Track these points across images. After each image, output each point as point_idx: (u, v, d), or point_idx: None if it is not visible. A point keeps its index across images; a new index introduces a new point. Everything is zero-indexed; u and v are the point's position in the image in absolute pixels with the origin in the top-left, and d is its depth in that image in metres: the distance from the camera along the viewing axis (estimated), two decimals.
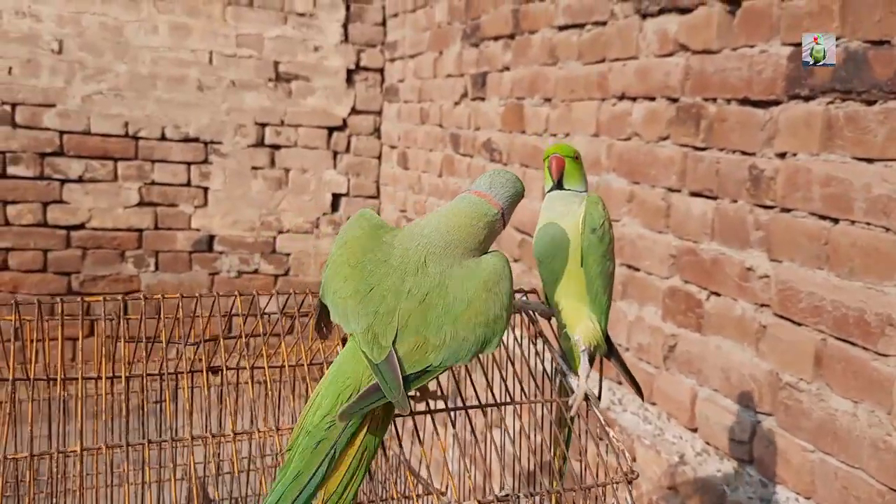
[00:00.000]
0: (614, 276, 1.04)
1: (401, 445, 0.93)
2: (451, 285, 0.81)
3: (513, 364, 0.97)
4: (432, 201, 3.05)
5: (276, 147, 3.48)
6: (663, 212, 1.71)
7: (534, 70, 2.26)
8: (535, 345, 1.02)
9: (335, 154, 3.56)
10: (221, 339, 0.90)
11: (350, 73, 3.54)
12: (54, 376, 0.88)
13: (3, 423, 0.76)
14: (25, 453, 0.71)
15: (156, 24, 3.27)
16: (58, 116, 3.18)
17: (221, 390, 0.97)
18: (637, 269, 1.80)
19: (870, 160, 1.20)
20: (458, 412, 0.90)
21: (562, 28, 2.10)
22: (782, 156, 1.38)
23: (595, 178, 1.96)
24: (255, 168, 3.46)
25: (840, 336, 1.25)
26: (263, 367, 0.89)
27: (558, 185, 1.03)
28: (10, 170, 3.14)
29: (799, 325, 1.34)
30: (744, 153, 1.47)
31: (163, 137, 3.32)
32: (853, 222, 1.23)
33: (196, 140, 3.37)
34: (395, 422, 0.83)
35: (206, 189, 3.41)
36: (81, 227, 3.25)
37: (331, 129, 3.54)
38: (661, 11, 1.70)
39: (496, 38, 2.50)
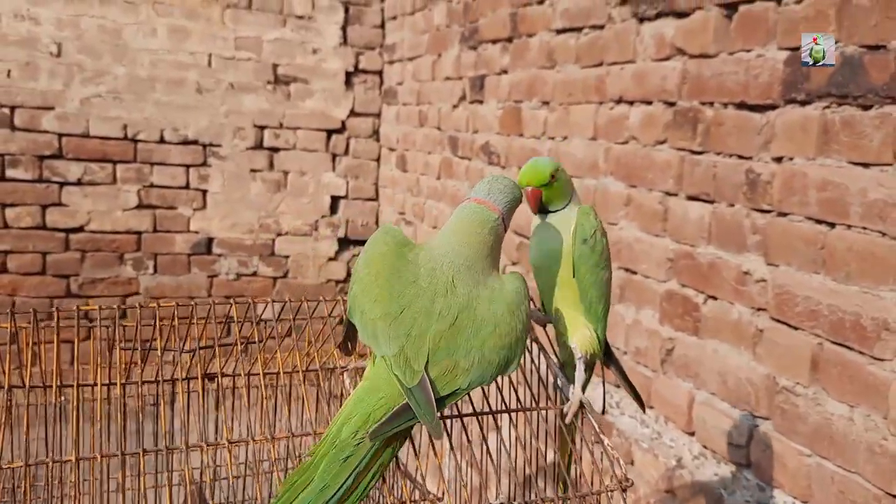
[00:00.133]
0: (611, 283, 1.04)
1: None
2: (479, 307, 0.82)
3: (508, 375, 0.97)
4: (431, 204, 3.05)
5: (275, 149, 3.48)
6: (660, 215, 1.71)
7: (532, 73, 2.26)
8: (530, 352, 1.02)
9: (334, 156, 3.56)
10: (217, 347, 0.90)
11: (349, 75, 3.54)
12: (50, 383, 0.88)
13: (0, 430, 0.76)
14: (21, 462, 0.71)
15: (154, 26, 3.27)
16: (56, 119, 3.18)
17: (218, 397, 0.97)
18: (634, 273, 1.81)
19: (866, 165, 1.21)
20: (454, 419, 0.90)
21: (559, 31, 2.11)
22: (779, 160, 1.38)
23: (593, 182, 1.96)
24: (253, 170, 3.46)
25: (836, 340, 1.25)
26: (259, 374, 0.90)
27: (542, 211, 1.02)
28: (9, 172, 3.14)
29: (795, 329, 1.34)
30: (740, 157, 1.48)
31: (161, 140, 3.32)
32: (849, 227, 1.24)
33: (195, 142, 3.37)
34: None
35: (204, 192, 3.41)
36: (80, 229, 3.25)
37: (329, 132, 3.55)
38: (658, 15, 1.71)
39: (494, 42, 2.50)
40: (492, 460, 0.86)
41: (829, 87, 1.27)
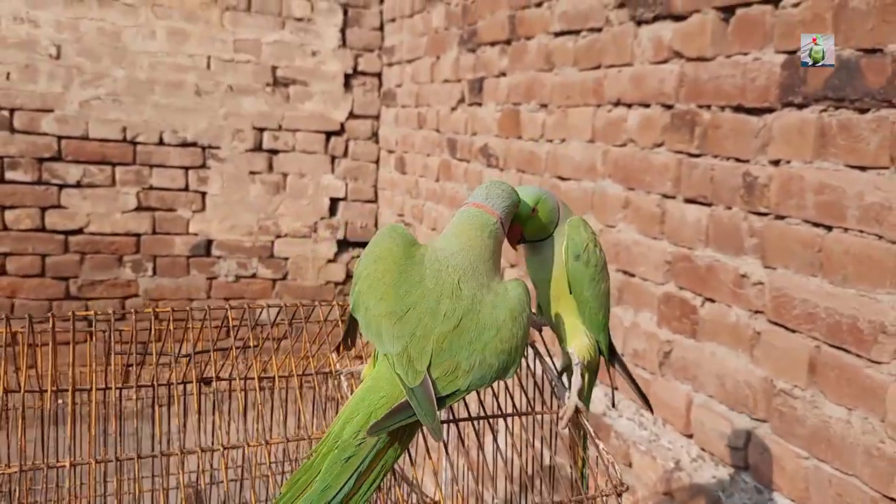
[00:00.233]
0: (609, 292, 1.03)
1: None
2: (483, 311, 0.83)
3: (504, 380, 0.97)
4: (430, 206, 3.05)
5: (274, 152, 3.48)
6: (658, 218, 1.71)
7: (530, 76, 2.26)
8: (526, 357, 1.02)
9: (333, 158, 3.57)
10: (213, 352, 0.90)
11: (348, 77, 3.54)
12: (46, 387, 0.88)
13: None
14: (16, 467, 0.71)
15: (153, 29, 3.27)
16: (56, 121, 3.18)
17: (214, 401, 0.97)
18: (632, 275, 1.81)
19: (863, 168, 1.21)
20: (451, 423, 0.90)
21: (558, 34, 2.11)
22: (776, 163, 1.38)
23: (591, 184, 1.96)
24: (252, 173, 3.46)
25: (834, 343, 1.25)
26: (255, 378, 0.90)
27: (523, 242, 1.00)
28: (9, 175, 3.14)
29: (793, 331, 1.34)
30: (738, 160, 1.48)
31: (161, 142, 3.32)
32: (846, 230, 1.24)
33: (194, 145, 3.37)
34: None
35: (203, 194, 3.41)
36: (79, 231, 3.25)
37: (329, 134, 3.55)
38: (656, 18, 1.71)
39: (493, 44, 2.50)
40: (487, 463, 0.86)
41: (825, 90, 1.27)
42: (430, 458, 0.81)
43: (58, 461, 0.74)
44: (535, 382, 0.97)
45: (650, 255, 1.74)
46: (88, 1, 3.18)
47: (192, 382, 0.92)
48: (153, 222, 3.35)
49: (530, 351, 1.02)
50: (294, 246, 3.54)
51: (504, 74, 2.43)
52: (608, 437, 1.86)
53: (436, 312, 0.81)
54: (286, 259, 3.54)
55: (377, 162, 3.63)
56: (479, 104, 2.61)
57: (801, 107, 1.33)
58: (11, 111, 3.12)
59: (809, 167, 1.31)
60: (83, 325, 1.06)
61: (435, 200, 3.00)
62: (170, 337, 0.92)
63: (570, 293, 0.98)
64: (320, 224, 3.57)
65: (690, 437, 1.61)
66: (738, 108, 1.47)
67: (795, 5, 1.34)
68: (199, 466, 0.87)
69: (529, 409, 0.94)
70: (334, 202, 3.60)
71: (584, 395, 1.02)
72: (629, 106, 1.81)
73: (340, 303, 1.04)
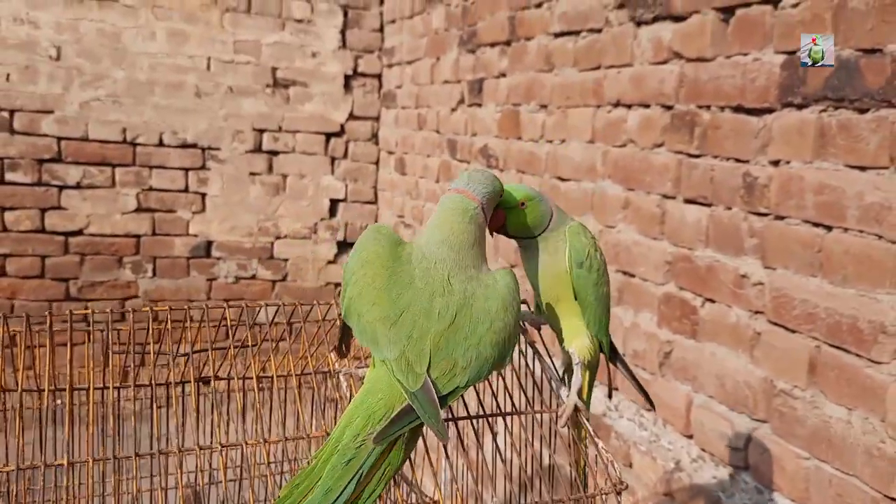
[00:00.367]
0: (609, 293, 1.03)
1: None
2: (476, 304, 0.83)
3: (503, 376, 0.97)
4: (430, 207, 3.05)
5: (274, 153, 3.48)
6: (658, 218, 1.71)
7: (530, 76, 2.26)
8: (524, 356, 1.02)
9: (333, 160, 3.57)
10: (211, 351, 0.90)
11: (348, 78, 3.54)
12: (44, 387, 0.88)
13: None
14: (13, 465, 0.71)
15: (153, 30, 3.27)
16: (56, 123, 3.18)
17: (212, 400, 0.97)
18: (632, 276, 1.81)
19: (862, 168, 1.21)
20: (449, 423, 0.90)
21: (557, 35, 2.11)
22: (776, 163, 1.38)
23: (590, 185, 1.96)
24: (252, 174, 3.46)
25: (834, 343, 1.25)
26: (253, 378, 0.89)
27: (507, 236, 1.00)
28: (8, 176, 3.14)
29: (793, 332, 1.34)
30: (738, 160, 1.48)
31: (161, 143, 3.32)
32: (846, 230, 1.24)
33: (194, 146, 3.37)
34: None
35: (203, 195, 3.41)
36: (79, 233, 3.25)
37: (328, 135, 3.55)
38: (656, 19, 1.71)
39: (493, 45, 2.51)
40: (486, 462, 0.86)
41: (825, 90, 1.27)
42: (429, 458, 0.81)
43: (56, 460, 0.73)
44: (535, 382, 0.97)
45: (650, 256, 1.74)
46: (88, 2, 3.18)
47: (190, 382, 0.92)
48: (153, 223, 3.35)
49: (530, 351, 1.02)
50: (294, 247, 3.54)
51: (504, 75, 2.43)
52: (608, 438, 1.86)
53: (429, 312, 0.81)
54: (286, 260, 3.54)
55: (377, 163, 3.63)
56: (479, 105, 2.61)
57: (800, 107, 1.33)
58: (11, 112, 3.13)
59: (809, 167, 1.31)
60: (81, 325, 1.06)
61: (435, 201, 3.00)
62: (168, 336, 0.92)
63: (575, 299, 0.98)
64: (320, 225, 3.57)
65: (690, 437, 1.61)
66: (738, 109, 1.47)
67: (795, 6, 1.34)
68: (197, 466, 0.87)
69: (529, 408, 0.94)
70: (334, 203, 3.60)
71: (585, 394, 1.02)
72: (629, 106, 1.81)
73: (339, 301, 1.04)
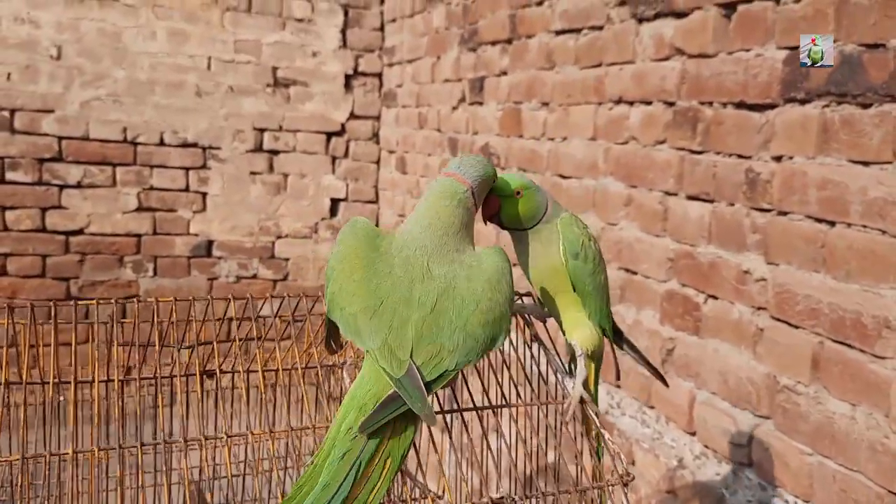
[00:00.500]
0: (607, 279, 1.03)
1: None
2: (459, 287, 0.82)
3: (508, 368, 0.97)
4: None
5: (275, 152, 3.48)
6: (660, 215, 1.71)
7: (531, 74, 2.26)
8: (530, 348, 1.02)
9: (334, 159, 3.56)
10: (216, 343, 0.90)
11: (348, 78, 3.54)
12: (48, 380, 0.87)
13: None
14: (17, 455, 0.71)
15: (154, 29, 3.27)
16: (56, 122, 3.18)
17: (217, 394, 0.97)
18: (635, 273, 1.80)
19: (865, 163, 1.21)
20: (454, 416, 0.90)
21: (559, 33, 2.11)
22: (778, 159, 1.38)
23: (592, 182, 1.96)
24: (253, 173, 3.46)
25: (837, 339, 1.25)
26: (258, 371, 0.89)
27: (501, 226, 0.99)
28: (9, 175, 3.14)
29: (796, 327, 1.34)
30: (740, 156, 1.47)
31: (161, 143, 3.32)
32: (849, 225, 1.23)
33: (194, 145, 3.37)
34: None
35: (204, 194, 3.41)
36: (80, 232, 3.25)
37: (329, 135, 3.55)
38: (657, 16, 1.71)
39: (493, 43, 2.50)
40: (492, 455, 0.85)
41: (828, 85, 1.27)
42: (434, 449, 0.81)
43: (60, 451, 0.73)
44: (540, 373, 0.97)
45: (652, 253, 1.74)
46: (89, 2, 3.18)
47: (194, 375, 0.92)
48: (154, 223, 3.35)
49: (535, 344, 1.02)
50: (295, 247, 3.54)
51: (505, 73, 2.43)
52: (611, 435, 1.85)
53: (409, 300, 0.80)
54: (287, 260, 3.54)
55: (378, 162, 3.63)
56: (480, 103, 2.61)
57: (803, 102, 1.33)
58: (12, 112, 3.12)
59: (812, 163, 1.31)
60: (85, 319, 1.05)
61: None
62: (173, 329, 0.92)
63: (574, 290, 0.97)
64: (321, 225, 3.57)
65: (693, 434, 1.61)
66: (741, 105, 1.47)
67: (797, 1, 1.34)
68: (200, 461, 0.86)
69: (534, 399, 0.94)
70: (335, 203, 3.59)
71: (592, 387, 1.02)
72: (631, 103, 1.81)
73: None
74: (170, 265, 3.37)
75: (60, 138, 3.19)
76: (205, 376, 0.94)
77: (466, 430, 0.84)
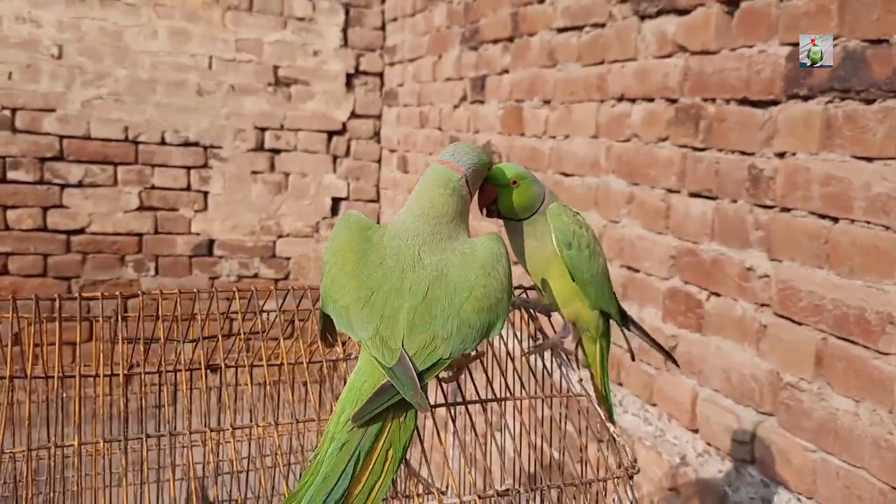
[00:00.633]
0: (606, 264, 1.02)
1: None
2: (451, 274, 0.81)
3: (513, 361, 0.96)
4: None
5: (276, 151, 3.48)
6: (663, 213, 1.71)
7: (533, 72, 2.26)
8: (535, 341, 1.02)
9: (335, 158, 3.57)
10: (220, 337, 0.89)
11: (349, 77, 3.54)
12: (52, 374, 0.87)
13: (1, 421, 0.75)
14: (23, 447, 0.71)
15: (155, 28, 3.27)
16: (58, 121, 3.18)
17: (221, 388, 0.96)
18: (637, 271, 1.80)
19: (869, 159, 1.20)
20: (458, 410, 0.89)
21: (560, 30, 2.11)
22: (781, 155, 1.38)
23: (594, 180, 1.96)
24: (254, 172, 3.46)
25: (841, 335, 1.25)
26: (262, 366, 0.89)
27: (499, 216, 0.98)
28: (10, 174, 3.14)
29: (799, 324, 1.34)
30: (743, 153, 1.47)
31: (163, 142, 3.32)
32: (853, 221, 1.23)
33: (196, 144, 3.37)
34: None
35: (205, 193, 3.41)
36: (81, 231, 3.25)
37: (330, 134, 3.55)
38: (660, 13, 1.71)
39: (495, 42, 2.50)
40: (497, 448, 0.85)
41: (831, 81, 1.27)
42: (440, 442, 0.80)
43: (65, 442, 0.73)
44: (544, 365, 0.97)
45: (655, 250, 1.73)
46: (90, 1, 3.18)
47: (199, 369, 0.92)
48: (155, 222, 3.35)
49: (539, 335, 1.02)
50: (296, 246, 3.54)
51: (506, 72, 2.43)
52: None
53: (400, 289, 0.80)
54: (288, 259, 3.54)
55: (379, 161, 3.63)
56: (482, 102, 2.60)
57: (806, 98, 1.33)
58: (13, 111, 3.12)
59: (815, 159, 1.31)
60: (89, 318, 1.05)
61: None
62: (177, 323, 0.92)
63: (573, 280, 0.97)
64: (322, 224, 3.57)
65: (696, 431, 1.60)
66: (743, 101, 1.47)
67: None
68: (204, 455, 0.86)
69: (539, 392, 0.94)
70: (336, 202, 3.59)
71: (599, 378, 1.02)
72: (633, 101, 1.81)
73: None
74: (171, 264, 3.37)
75: (62, 137, 3.19)
76: (209, 371, 0.94)
77: (472, 423, 0.84)
